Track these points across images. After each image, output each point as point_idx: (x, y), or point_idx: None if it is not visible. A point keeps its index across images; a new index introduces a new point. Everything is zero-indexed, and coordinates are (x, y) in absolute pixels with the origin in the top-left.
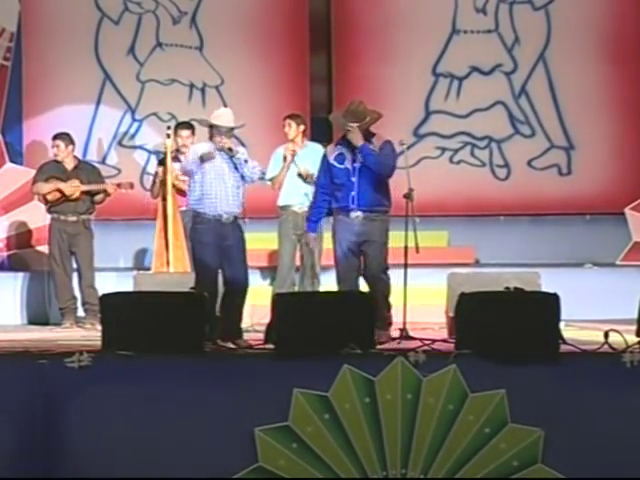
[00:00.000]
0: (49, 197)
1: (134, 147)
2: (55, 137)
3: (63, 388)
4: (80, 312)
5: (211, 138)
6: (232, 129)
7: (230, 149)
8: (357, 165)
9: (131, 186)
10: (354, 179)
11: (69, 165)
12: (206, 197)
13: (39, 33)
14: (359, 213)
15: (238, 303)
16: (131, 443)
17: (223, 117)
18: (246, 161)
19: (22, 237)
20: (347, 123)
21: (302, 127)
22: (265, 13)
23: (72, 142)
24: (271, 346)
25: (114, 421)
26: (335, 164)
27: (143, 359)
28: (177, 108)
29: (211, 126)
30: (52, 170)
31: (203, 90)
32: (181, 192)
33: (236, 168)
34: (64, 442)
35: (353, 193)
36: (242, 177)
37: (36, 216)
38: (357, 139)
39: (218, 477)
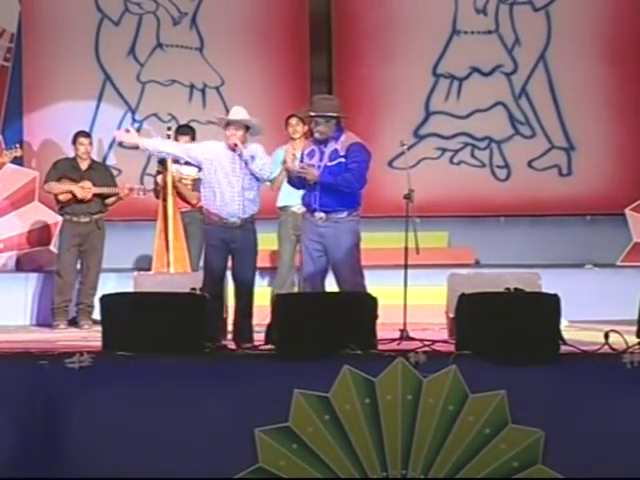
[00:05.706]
0: (61, 197)
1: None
2: (79, 134)
3: (63, 389)
4: (72, 313)
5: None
6: (247, 128)
7: (235, 145)
8: (323, 165)
9: (144, 192)
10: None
11: (84, 165)
12: (213, 198)
13: (39, 34)
14: (322, 214)
15: (243, 306)
16: (131, 443)
17: (235, 113)
18: (252, 157)
19: (22, 238)
20: (309, 113)
21: (305, 127)
22: (265, 14)
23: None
24: (271, 346)
25: (114, 421)
26: (306, 159)
27: (143, 359)
28: (177, 109)
29: (226, 124)
30: (65, 169)
31: (203, 91)
32: (181, 195)
33: (247, 166)
34: (64, 442)
35: (316, 192)
36: (254, 176)
37: (37, 217)
38: (326, 131)
39: (218, 477)
